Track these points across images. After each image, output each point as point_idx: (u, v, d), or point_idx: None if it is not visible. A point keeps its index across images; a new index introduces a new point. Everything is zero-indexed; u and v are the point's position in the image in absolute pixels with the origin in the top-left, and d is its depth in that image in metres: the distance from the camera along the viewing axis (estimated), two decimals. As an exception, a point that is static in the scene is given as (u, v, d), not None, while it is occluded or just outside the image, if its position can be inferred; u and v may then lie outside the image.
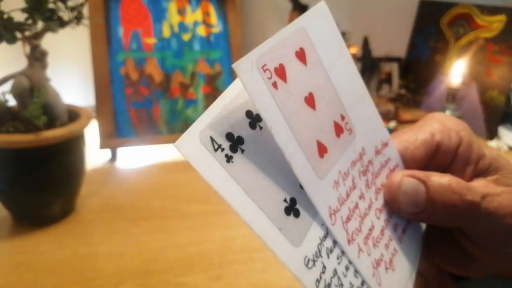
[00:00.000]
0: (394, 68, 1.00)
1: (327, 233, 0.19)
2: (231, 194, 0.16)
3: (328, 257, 0.19)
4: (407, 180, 0.23)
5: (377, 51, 0.95)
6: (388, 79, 0.99)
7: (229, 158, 0.17)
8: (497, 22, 0.82)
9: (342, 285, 0.19)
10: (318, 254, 0.19)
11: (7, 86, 0.47)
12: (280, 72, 0.18)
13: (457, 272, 0.27)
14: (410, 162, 0.25)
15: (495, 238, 0.23)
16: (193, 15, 0.73)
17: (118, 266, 0.42)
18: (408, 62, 1.01)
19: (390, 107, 0.90)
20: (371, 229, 0.22)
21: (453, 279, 0.26)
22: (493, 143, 0.80)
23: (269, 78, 0.17)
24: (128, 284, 0.40)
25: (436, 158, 0.25)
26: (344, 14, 1.01)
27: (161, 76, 0.71)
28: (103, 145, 0.66)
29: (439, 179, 0.22)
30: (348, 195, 0.21)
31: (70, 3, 0.46)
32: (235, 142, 0.17)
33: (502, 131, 0.80)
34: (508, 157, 0.29)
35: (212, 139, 0.16)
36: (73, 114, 0.51)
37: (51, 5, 0.44)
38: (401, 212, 0.23)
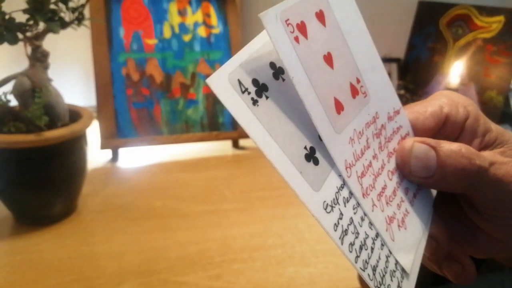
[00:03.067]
0: (393, 69, 1.00)
1: (344, 184, 0.20)
2: (257, 133, 0.17)
3: (345, 205, 0.20)
4: (418, 145, 0.23)
5: (376, 51, 0.95)
6: (387, 80, 0.99)
7: (255, 102, 0.17)
8: (496, 23, 0.82)
9: (358, 233, 0.20)
10: (336, 201, 0.19)
11: (9, 86, 0.47)
12: (302, 28, 0.19)
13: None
14: (420, 131, 0.25)
15: (501, 206, 0.23)
16: (194, 16, 0.73)
17: (119, 265, 0.43)
18: (407, 63, 1.01)
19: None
20: (384, 188, 0.23)
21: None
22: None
23: (292, 32, 0.18)
24: (129, 283, 0.40)
25: (445, 130, 0.25)
26: (343, 15, 1.01)
27: (162, 76, 0.71)
28: (104, 145, 0.67)
29: (449, 146, 0.23)
30: (362, 153, 0.22)
31: (71, 4, 0.46)
32: (260, 88, 0.18)
33: (501, 131, 0.80)
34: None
35: (240, 82, 0.17)
36: (75, 115, 0.51)
37: (52, 6, 0.44)
38: (412, 176, 0.24)
